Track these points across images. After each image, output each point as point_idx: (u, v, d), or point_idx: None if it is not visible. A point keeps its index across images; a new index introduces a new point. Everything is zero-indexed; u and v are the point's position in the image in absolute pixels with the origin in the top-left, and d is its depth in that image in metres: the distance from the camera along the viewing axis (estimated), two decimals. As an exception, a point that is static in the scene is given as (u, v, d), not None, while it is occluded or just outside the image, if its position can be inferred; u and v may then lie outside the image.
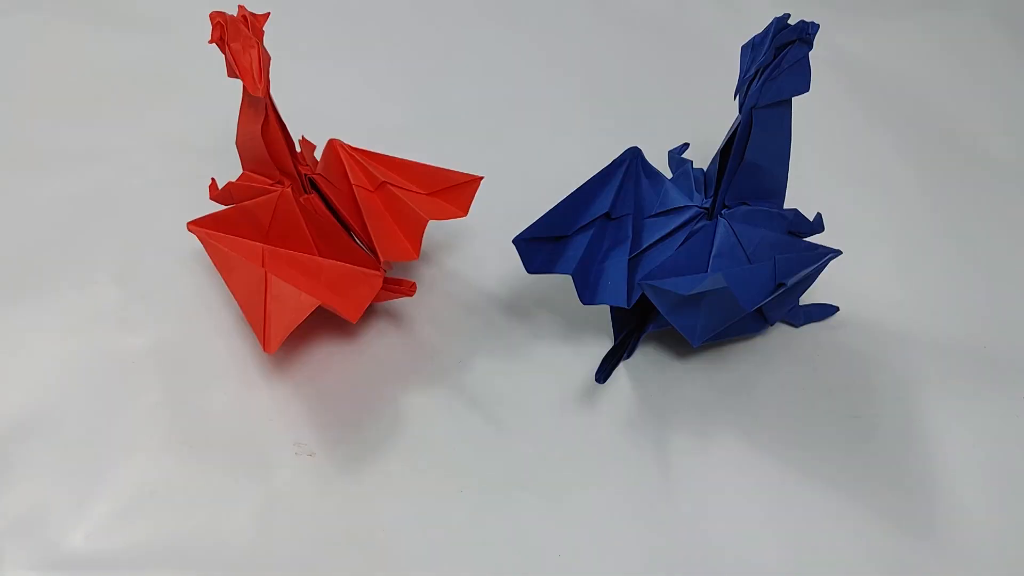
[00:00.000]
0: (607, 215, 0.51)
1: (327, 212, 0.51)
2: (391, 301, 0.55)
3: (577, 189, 0.51)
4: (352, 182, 0.50)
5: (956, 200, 0.64)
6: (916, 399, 0.53)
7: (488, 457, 0.50)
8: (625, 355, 0.54)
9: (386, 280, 0.50)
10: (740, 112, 0.49)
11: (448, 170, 0.52)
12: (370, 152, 0.52)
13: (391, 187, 0.51)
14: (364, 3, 0.78)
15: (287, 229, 0.49)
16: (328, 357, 0.53)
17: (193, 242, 0.58)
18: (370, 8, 0.77)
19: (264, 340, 0.46)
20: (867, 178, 0.66)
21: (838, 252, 0.53)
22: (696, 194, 0.53)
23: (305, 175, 0.51)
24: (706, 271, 0.50)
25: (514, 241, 0.50)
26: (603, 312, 0.55)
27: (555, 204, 0.50)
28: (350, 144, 0.52)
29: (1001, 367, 0.54)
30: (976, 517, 0.49)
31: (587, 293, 0.51)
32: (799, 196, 0.55)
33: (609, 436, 0.51)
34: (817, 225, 0.53)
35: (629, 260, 0.51)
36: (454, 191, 0.51)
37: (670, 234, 0.52)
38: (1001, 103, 0.71)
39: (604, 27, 0.76)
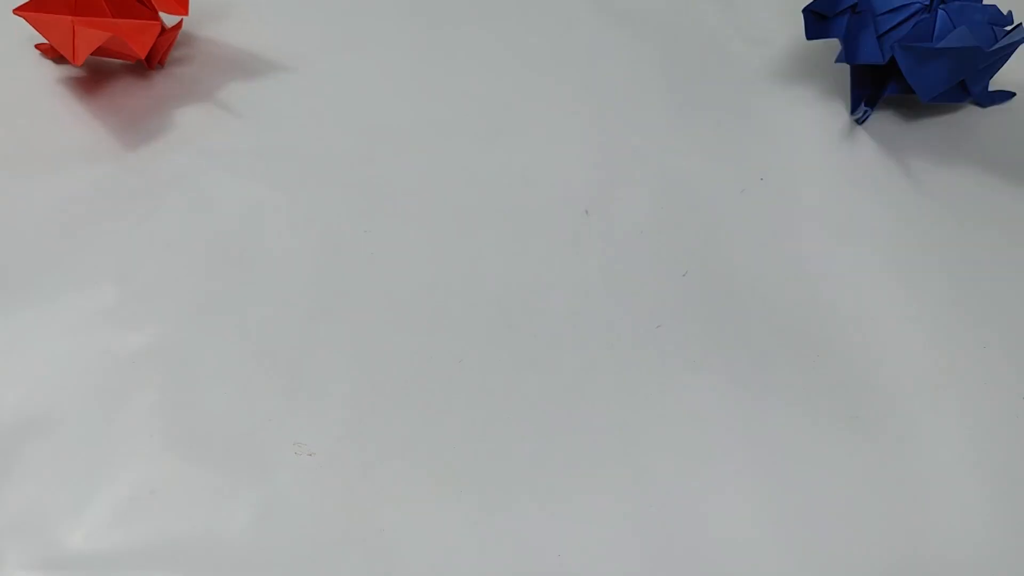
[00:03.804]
0: (854, 8, 0.67)
1: None
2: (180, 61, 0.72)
3: None
4: None
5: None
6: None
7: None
8: (861, 120, 0.68)
9: (164, 29, 0.69)
10: None
11: None
12: None
13: None
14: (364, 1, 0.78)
15: (88, 3, 0.65)
16: (125, 87, 0.69)
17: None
18: (369, 5, 0.77)
19: (72, 56, 0.63)
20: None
21: None
22: None
23: None
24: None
25: (803, 10, 0.66)
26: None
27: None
28: None
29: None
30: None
31: (850, 54, 0.67)
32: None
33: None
34: (1010, 17, 0.67)
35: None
36: None
37: (899, 24, 0.66)
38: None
39: (604, 26, 0.76)
